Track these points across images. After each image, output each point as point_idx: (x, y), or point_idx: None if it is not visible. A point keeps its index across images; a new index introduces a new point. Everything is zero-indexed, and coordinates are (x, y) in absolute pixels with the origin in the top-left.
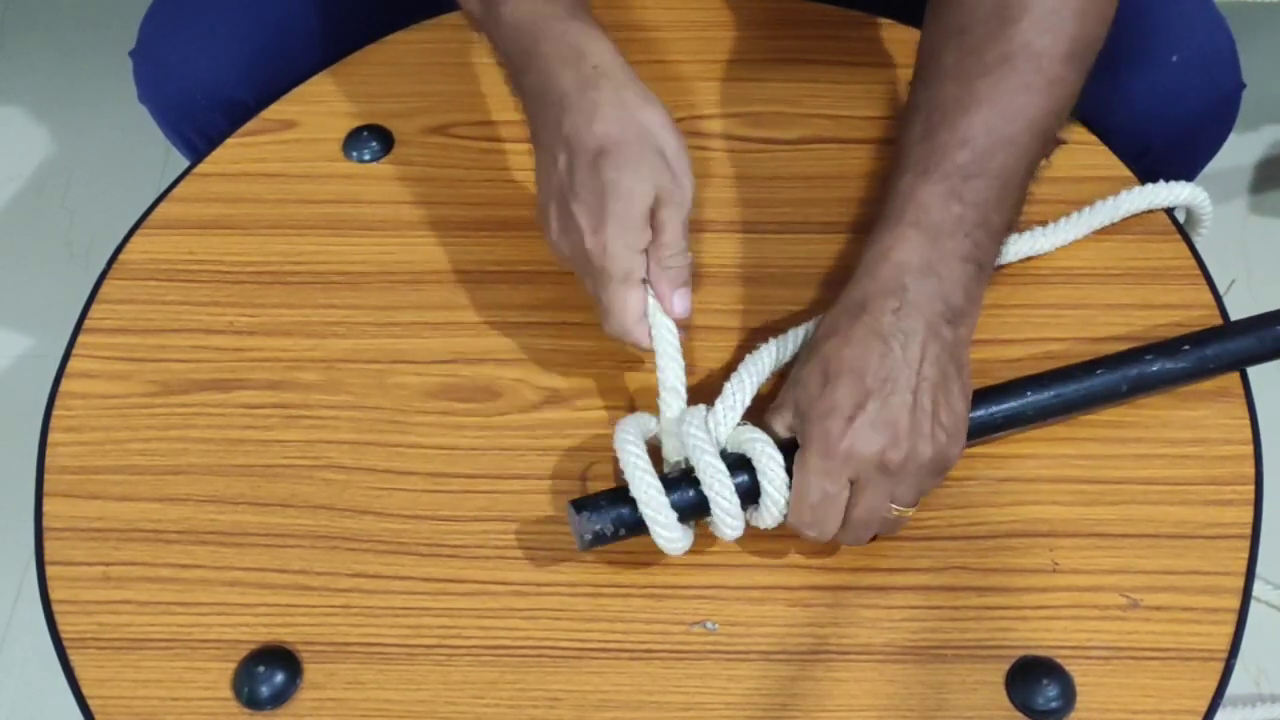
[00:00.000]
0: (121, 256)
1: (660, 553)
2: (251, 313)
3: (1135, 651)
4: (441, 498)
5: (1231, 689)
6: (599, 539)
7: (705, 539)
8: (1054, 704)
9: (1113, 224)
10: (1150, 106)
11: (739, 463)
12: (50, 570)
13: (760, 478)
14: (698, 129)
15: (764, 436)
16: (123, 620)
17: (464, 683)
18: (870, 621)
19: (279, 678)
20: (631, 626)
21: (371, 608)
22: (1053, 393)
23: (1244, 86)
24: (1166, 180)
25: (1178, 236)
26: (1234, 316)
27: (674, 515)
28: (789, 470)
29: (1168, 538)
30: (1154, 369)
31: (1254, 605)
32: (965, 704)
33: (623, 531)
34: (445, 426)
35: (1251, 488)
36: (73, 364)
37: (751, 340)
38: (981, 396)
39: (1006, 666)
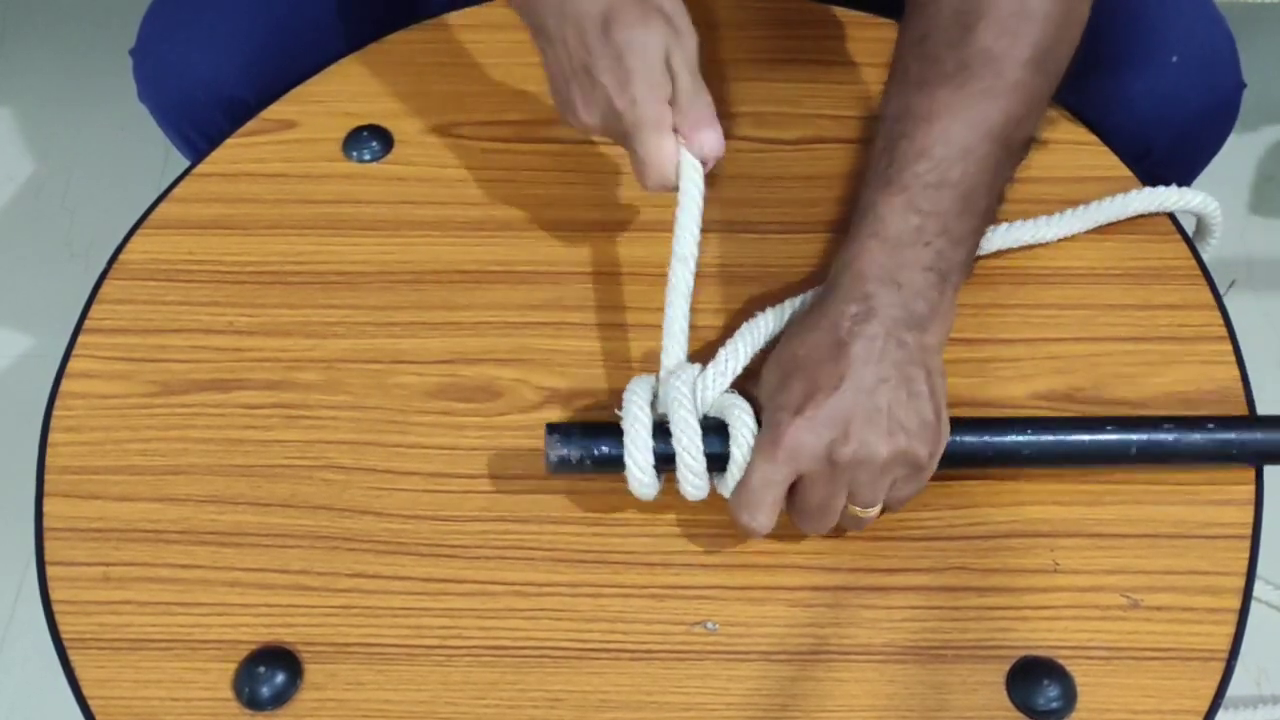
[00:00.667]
0: (121, 256)
1: (661, 552)
2: (251, 313)
3: (1136, 651)
4: (441, 498)
5: (1232, 690)
6: (564, 464)
7: (706, 539)
8: (1055, 704)
9: (1114, 223)
10: (1150, 107)
11: (717, 428)
12: (50, 570)
13: (731, 442)
14: None
15: (744, 404)
16: (123, 620)
17: (464, 683)
18: (870, 622)
19: (279, 678)
20: (632, 627)
21: (372, 608)
22: (1055, 437)
23: (1244, 86)
24: (1168, 181)
25: (1178, 236)
26: (1234, 316)
27: (652, 456)
28: None
29: (1168, 538)
30: (1169, 439)
31: (1254, 605)
32: (966, 704)
33: (588, 462)
34: (445, 426)
35: (1251, 488)
36: (73, 364)
37: None
38: (979, 426)
39: (1007, 667)
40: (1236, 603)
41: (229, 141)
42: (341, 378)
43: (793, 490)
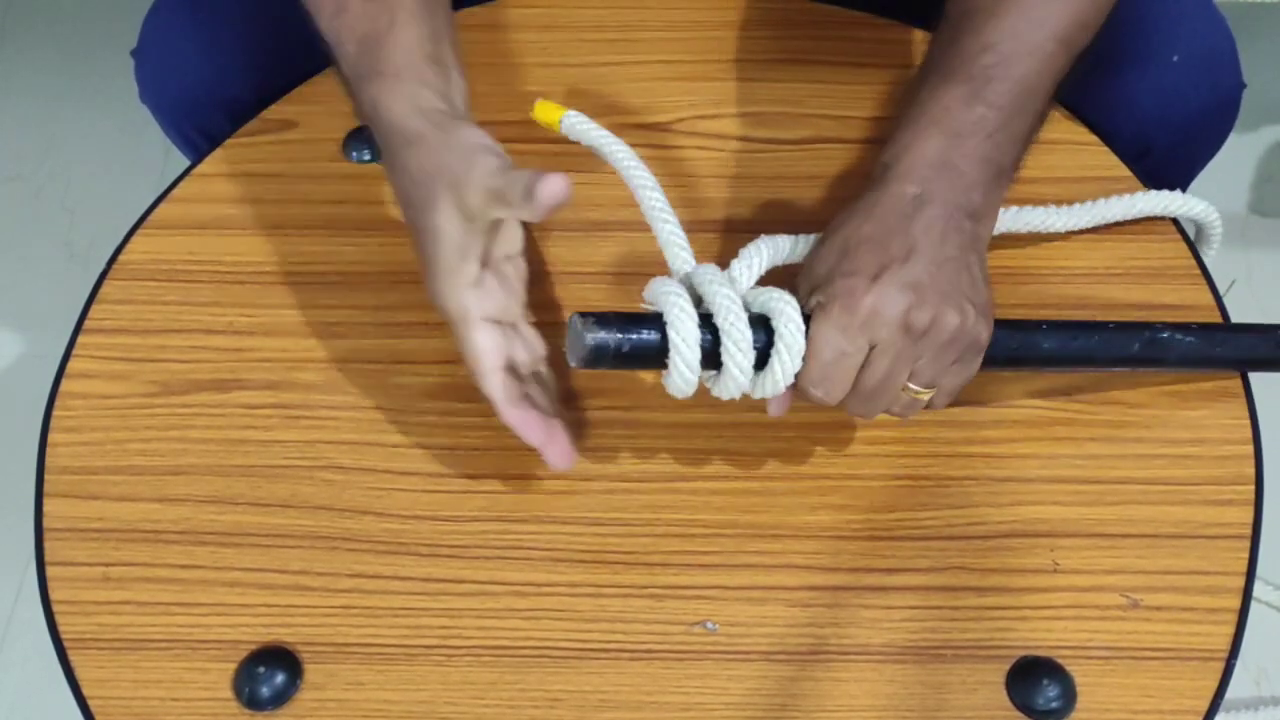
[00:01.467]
0: (121, 257)
1: (661, 552)
2: (251, 313)
3: (1135, 651)
4: (441, 498)
5: (1231, 690)
6: (601, 351)
7: (706, 539)
8: (1054, 704)
9: (1115, 223)
10: (1150, 107)
11: (756, 323)
12: (50, 570)
13: (776, 323)
14: (701, 129)
15: (784, 293)
16: (123, 621)
17: (464, 683)
18: (870, 622)
19: (279, 678)
20: (632, 627)
21: (371, 608)
22: (1069, 334)
23: (1244, 86)
24: (1168, 181)
25: (1178, 237)
26: (1234, 316)
27: (698, 333)
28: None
29: (1168, 538)
30: (1163, 335)
31: (1254, 606)
32: (965, 704)
33: (626, 348)
34: (445, 426)
35: (1251, 488)
36: (72, 364)
37: None
38: (1006, 325)
39: (1007, 666)
40: (1236, 603)
41: (229, 141)
42: (341, 378)
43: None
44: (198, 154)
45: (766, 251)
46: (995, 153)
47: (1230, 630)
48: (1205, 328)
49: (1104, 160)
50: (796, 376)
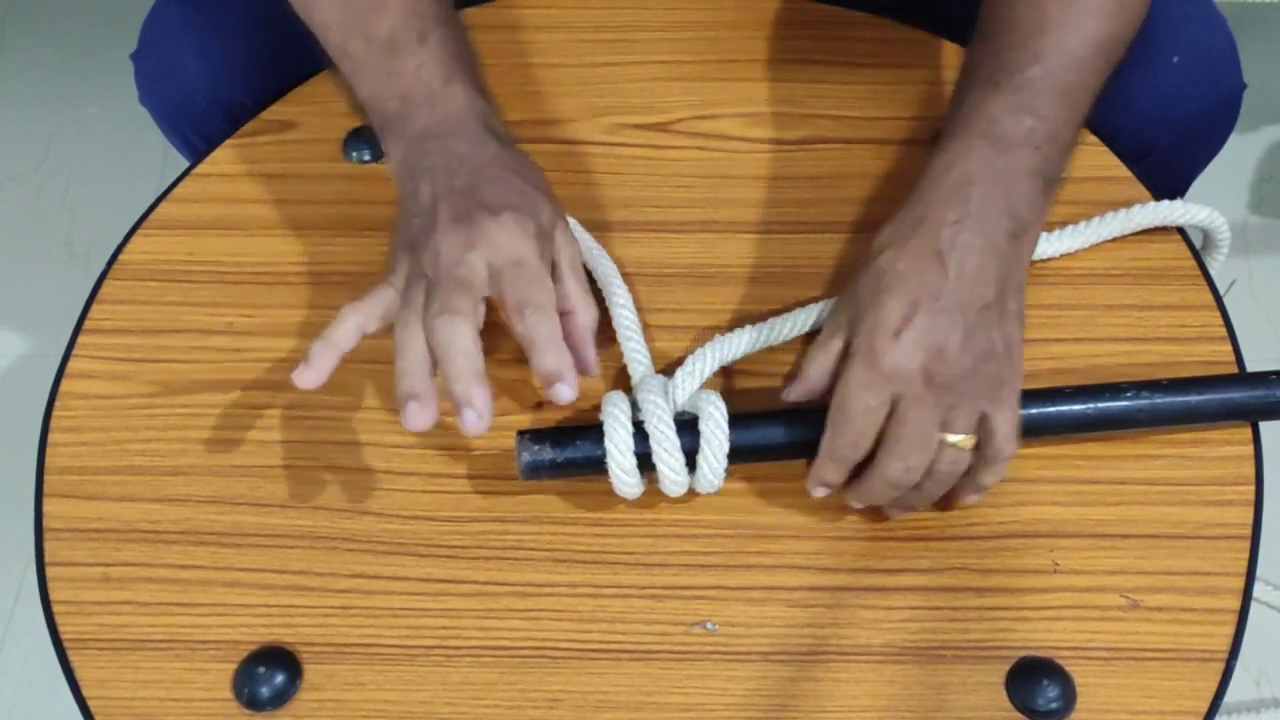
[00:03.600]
0: (121, 257)
1: (661, 552)
2: (251, 313)
3: (1136, 652)
4: (441, 498)
5: (1231, 690)
6: (536, 467)
7: (705, 539)
8: (1054, 705)
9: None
10: (1151, 107)
11: (694, 425)
12: (50, 571)
13: (701, 423)
14: (701, 129)
15: (713, 394)
16: (123, 621)
17: (464, 683)
18: (870, 622)
19: (279, 678)
20: (632, 627)
21: (371, 608)
22: (1033, 409)
23: (1245, 87)
24: (1168, 181)
25: (1178, 237)
26: (1234, 317)
27: (632, 453)
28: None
29: (1168, 538)
30: (1127, 394)
31: (1254, 606)
32: (965, 705)
33: (561, 460)
34: (445, 427)
35: (1251, 488)
36: (73, 364)
37: None
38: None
39: (1006, 667)
40: (1236, 603)
41: (229, 142)
42: (341, 378)
43: (882, 436)
44: (197, 157)
45: (712, 357)
46: (1043, 164)
47: (1230, 631)
48: (1176, 384)
49: (1104, 160)
50: (825, 441)
